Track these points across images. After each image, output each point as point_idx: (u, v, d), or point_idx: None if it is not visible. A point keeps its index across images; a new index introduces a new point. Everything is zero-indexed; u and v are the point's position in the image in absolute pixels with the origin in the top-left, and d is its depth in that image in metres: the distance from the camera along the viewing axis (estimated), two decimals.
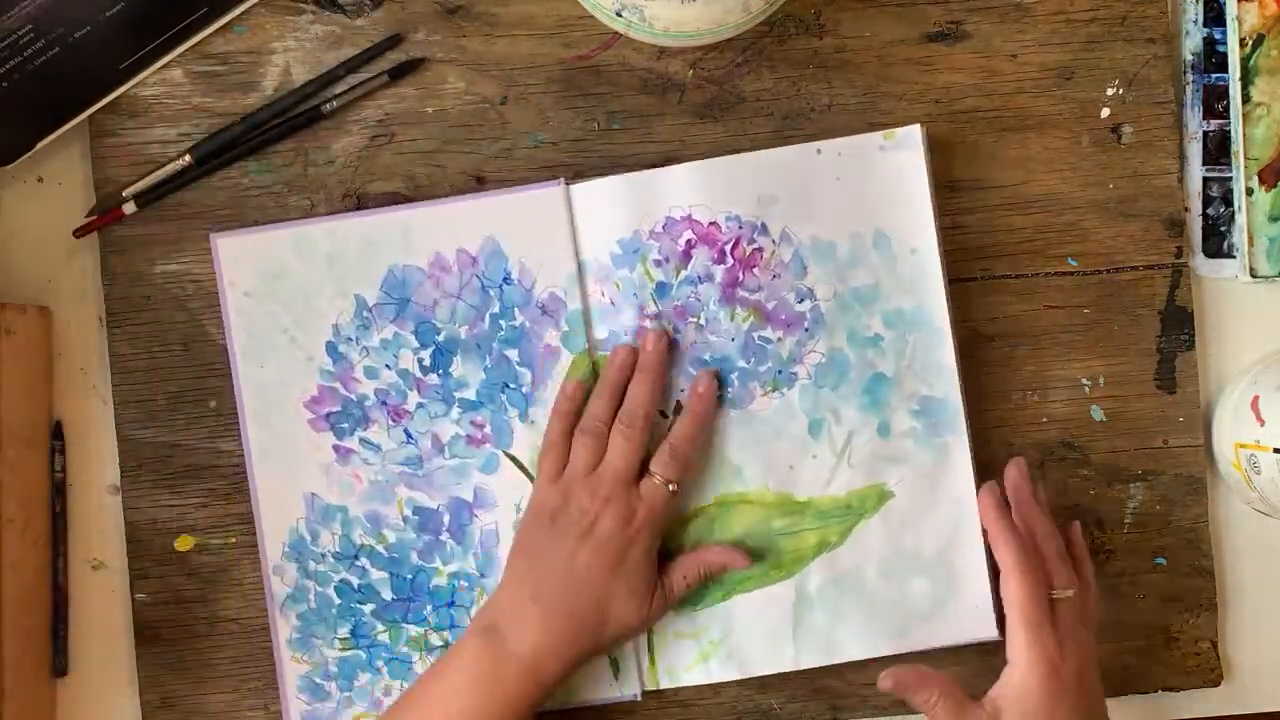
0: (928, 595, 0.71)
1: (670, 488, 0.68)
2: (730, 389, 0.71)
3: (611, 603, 0.66)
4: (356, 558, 0.72)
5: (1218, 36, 0.72)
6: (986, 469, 0.70)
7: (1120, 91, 0.72)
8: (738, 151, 0.71)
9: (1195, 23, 0.73)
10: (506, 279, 0.71)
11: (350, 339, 0.71)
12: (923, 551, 0.71)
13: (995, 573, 0.67)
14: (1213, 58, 0.72)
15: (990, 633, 0.70)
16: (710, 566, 0.70)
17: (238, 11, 0.71)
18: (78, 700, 0.73)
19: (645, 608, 0.67)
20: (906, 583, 0.71)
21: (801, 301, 0.71)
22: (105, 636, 0.73)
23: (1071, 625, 0.65)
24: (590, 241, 0.71)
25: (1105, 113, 0.72)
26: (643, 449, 0.68)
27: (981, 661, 0.70)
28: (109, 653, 0.73)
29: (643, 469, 0.68)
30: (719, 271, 0.71)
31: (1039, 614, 0.64)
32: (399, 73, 0.71)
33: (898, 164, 0.70)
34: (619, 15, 0.63)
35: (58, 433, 0.73)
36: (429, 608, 0.72)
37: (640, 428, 0.68)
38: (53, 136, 0.71)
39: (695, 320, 0.71)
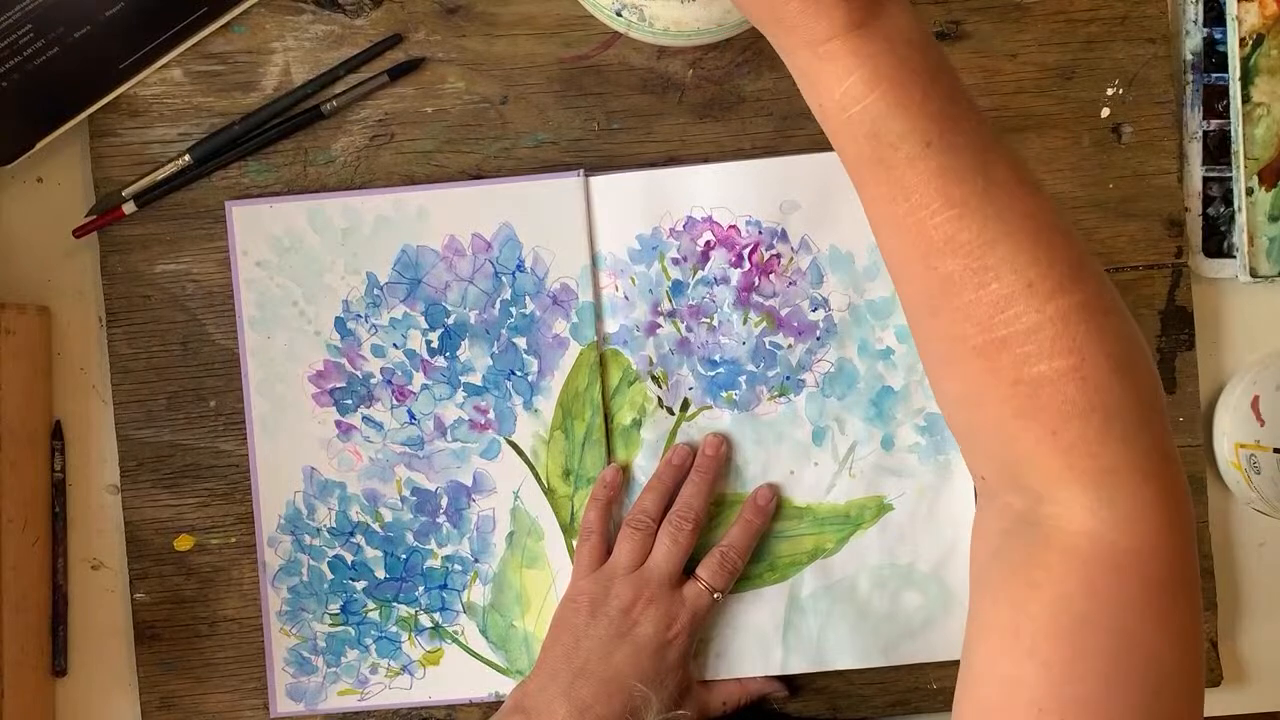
0: (920, 610, 0.71)
1: (715, 595, 0.68)
2: (737, 391, 0.71)
3: (641, 704, 0.66)
4: (352, 534, 0.72)
5: (1218, 36, 0.72)
6: None
7: (1120, 91, 0.72)
8: (738, 151, 0.71)
9: (1195, 23, 0.73)
10: (520, 266, 0.71)
11: (359, 316, 0.71)
12: (917, 566, 0.71)
13: None
14: (1213, 58, 0.72)
15: None
16: (751, 695, 0.71)
17: (237, 11, 0.71)
18: (78, 700, 0.73)
19: (674, 710, 0.67)
20: (899, 596, 0.71)
21: (815, 310, 0.71)
22: (105, 636, 0.73)
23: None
24: (607, 234, 0.71)
25: (1105, 113, 0.72)
26: (689, 551, 0.69)
27: None
28: (109, 653, 0.73)
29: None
30: (735, 275, 0.71)
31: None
32: (399, 73, 0.71)
33: None
34: (619, 15, 0.63)
35: (57, 432, 0.73)
36: (421, 589, 0.72)
37: (689, 531, 0.68)
38: (53, 136, 0.71)
39: (708, 321, 0.71)
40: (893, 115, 0.46)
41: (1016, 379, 0.46)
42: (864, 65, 0.46)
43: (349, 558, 0.72)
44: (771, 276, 0.71)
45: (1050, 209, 0.47)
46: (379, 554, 0.72)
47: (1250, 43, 0.71)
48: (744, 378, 0.71)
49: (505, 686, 0.72)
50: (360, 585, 0.72)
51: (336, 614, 0.72)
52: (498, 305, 0.71)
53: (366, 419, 0.72)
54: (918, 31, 0.47)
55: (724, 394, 0.71)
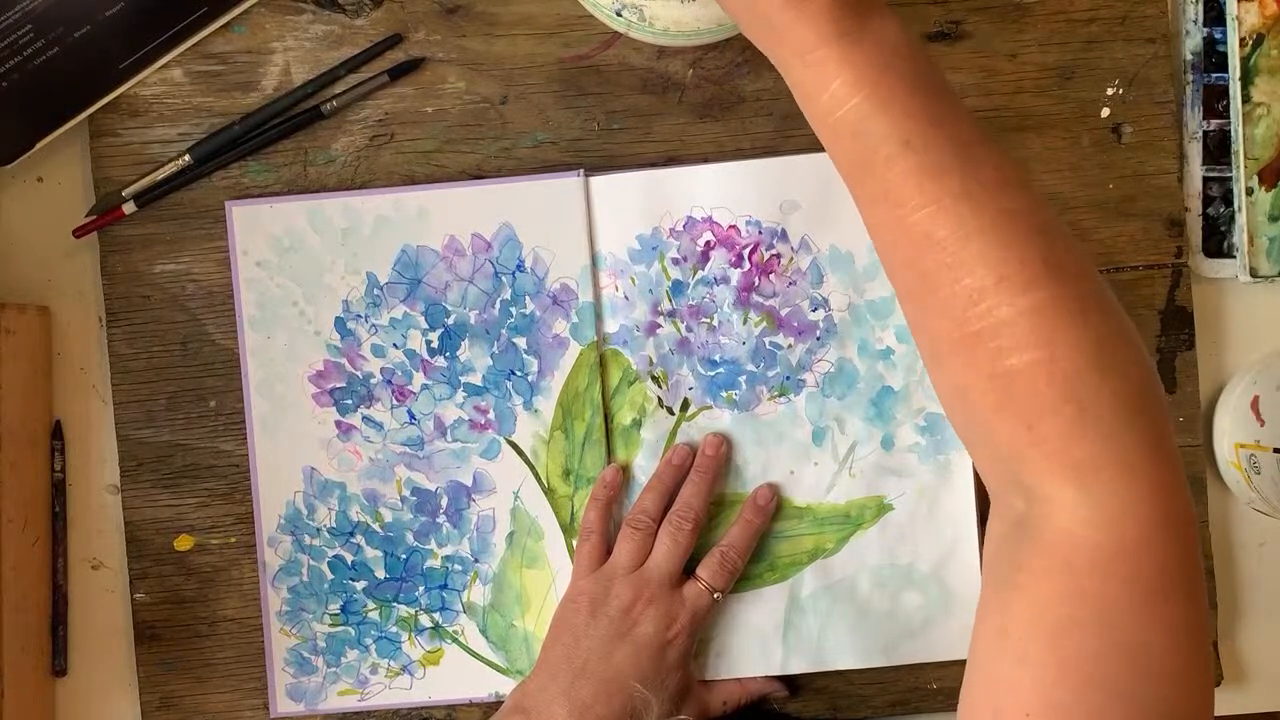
0: (920, 610, 0.71)
1: (715, 595, 0.68)
2: (737, 391, 0.71)
3: (641, 705, 0.66)
4: (352, 534, 0.72)
5: (1218, 36, 0.72)
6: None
7: (1120, 91, 0.72)
8: (738, 151, 0.71)
9: (1195, 23, 0.73)
10: (520, 266, 0.71)
11: (360, 316, 0.71)
12: (917, 566, 0.71)
13: None
14: (1213, 58, 0.72)
15: None
16: (751, 695, 0.71)
17: (237, 11, 0.71)
18: (78, 700, 0.73)
19: (675, 711, 0.67)
20: (899, 596, 0.71)
21: (815, 310, 0.71)
22: (105, 636, 0.73)
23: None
24: (607, 234, 0.71)
25: (1105, 113, 0.72)
26: (689, 551, 0.69)
27: None
28: (109, 653, 0.73)
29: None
30: (735, 275, 0.71)
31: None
32: (399, 73, 0.71)
33: None
34: (619, 15, 0.63)
35: (57, 432, 0.73)
36: (421, 589, 0.72)
37: (689, 531, 0.68)
38: (53, 136, 0.71)
39: (708, 321, 0.71)
40: (874, 116, 0.47)
41: (992, 373, 0.46)
42: (848, 70, 0.48)
43: (349, 558, 0.72)
44: (771, 276, 0.71)
45: (1034, 207, 0.47)
46: (379, 554, 0.72)
47: (1250, 43, 0.71)
48: (744, 378, 0.71)
49: (505, 686, 0.72)
50: (360, 585, 0.72)
51: (336, 614, 0.72)
52: (498, 305, 0.71)
53: (366, 419, 0.72)
54: (904, 40, 0.48)
55: (724, 394, 0.71)
